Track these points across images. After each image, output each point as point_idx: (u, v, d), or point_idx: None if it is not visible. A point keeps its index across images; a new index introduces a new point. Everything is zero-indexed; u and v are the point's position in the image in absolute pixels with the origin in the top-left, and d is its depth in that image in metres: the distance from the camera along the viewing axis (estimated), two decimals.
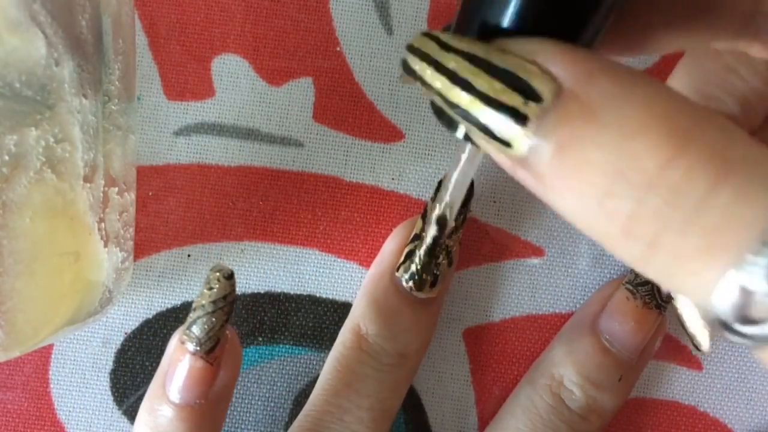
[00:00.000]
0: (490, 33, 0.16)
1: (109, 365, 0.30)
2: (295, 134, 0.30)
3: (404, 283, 0.28)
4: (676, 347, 0.31)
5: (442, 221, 0.23)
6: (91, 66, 0.23)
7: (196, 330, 0.24)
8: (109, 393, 0.30)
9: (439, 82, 0.16)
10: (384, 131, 0.31)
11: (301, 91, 0.30)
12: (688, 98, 0.15)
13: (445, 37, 0.16)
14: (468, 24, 0.17)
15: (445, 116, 0.17)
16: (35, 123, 0.22)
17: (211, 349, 0.25)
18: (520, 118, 0.15)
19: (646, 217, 0.14)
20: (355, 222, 0.31)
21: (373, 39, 0.30)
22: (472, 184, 0.29)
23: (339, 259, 0.31)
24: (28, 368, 0.30)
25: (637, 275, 0.29)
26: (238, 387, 0.31)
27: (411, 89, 0.30)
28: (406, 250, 0.28)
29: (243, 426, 0.31)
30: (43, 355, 0.30)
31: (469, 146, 0.20)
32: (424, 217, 0.28)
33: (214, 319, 0.24)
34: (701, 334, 0.27)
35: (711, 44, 0.20)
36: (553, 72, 0.15)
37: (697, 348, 0.27)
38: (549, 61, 0.15)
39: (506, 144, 0.15)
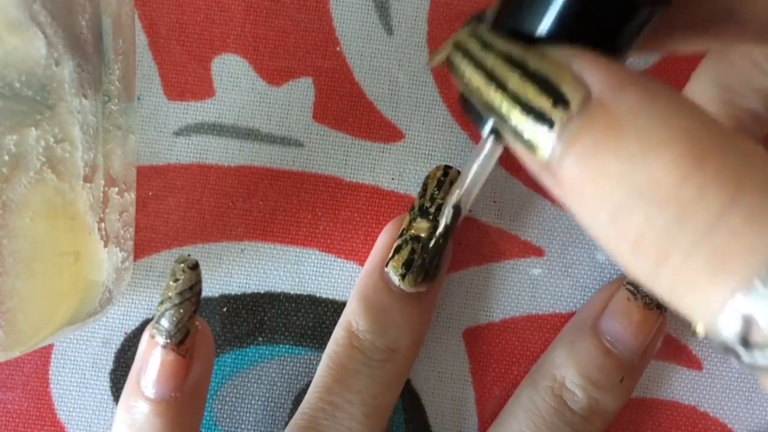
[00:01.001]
0: (529, 37, 0.17)
1: (109, 365, 0.30)
2: (295, 134, 0.30)
3: (393, 279, 0.28)
4: (677, 347, 0.31)
5: (457, 210, 0.23)
6: (91, 66, 0.23)
7: (164, 323, 0.24)
8: (109, 393, 0.30)
9: (477, 79, 0.16)
10: (384, 131, 0.31)
11: (301, 91, 0.30)
12: (713, 117, 0.15)
13: (488, 37, 0.17)
14: (508, 23, 0.17)
15: (473, 111, 0.18)
16: (35, 123, 0.22)
17: (181, 341, 0.25)
18: (547, 121, 0.15)
19: (655, 234, 0.14)
20: (355, 222, 0.31)
21: (373, 39, 0.30)
22: None
23: (339, 259, 0.31)
24: (28, 368, 0.30)
25: None
26: (238, 387, 0.31)
27: (411, 89, 0.30)
28: (395, 245, 0.28)
29: (243, 426, 0.31)
30: (43, 355, 0.30)
31: (491, 140, 0.20)
32: (411, 211, 0.28)
33: (182, 311, 0.24)
34: None
35: (733, 45, 0.20)
36: (585, 80, 0.15)
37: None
38: (583, 69, 0.15)
39: (532, 147, 0.16)
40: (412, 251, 0.28)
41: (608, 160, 0.15)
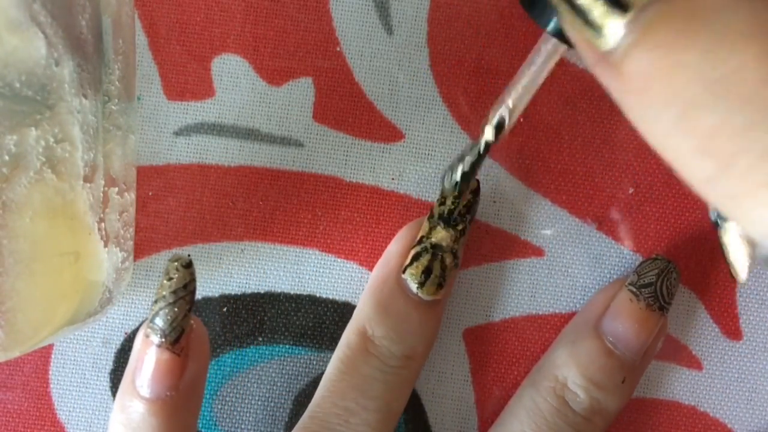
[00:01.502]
0: None
1: (109, 365, 0.30)
2: (295, 134, 0.30)
3: (410, 286, 0.28)
4: (677, 347, 0.31)
5: (500, 124, 0.21)
6: (91, 66, 0.23)
7: (159, 322, 0.24)
8: (109, 393, 0.30)
9: None
10: (384, 131, 0.31)
11: (301, 91, 0.30)
12: None
13: None
14: None
15: (538, 4, 0.16)
16: (35, 123, 0.22)
17: (176, 340, 0.25)
18: (621, 5, 0.14)
19: (728, 134, 0.13)
20: (355, 222, 0.31)
21: (373, 39, 0.30)
22: (479, 189, 0.29)
23: (339, 259, 0.31)
24: (28, 368, 0.30)
25: (639, 276, 0.29)
26: (238, 387, 0.31)
27: (411, 89, 0.30)
28: (413, 252, 0.28)
29: (243, 426, 0.31)
30: (43, 355, 0.30)
31: (550, 43, 0.18)
32: (431, 218, 0.28)
33: (176, 309, 0.24)
34: (741, 264, 0.25)
35: None
36: None
37: (735, 277, 0.25)
38: None
39: (598, 33, 0.14)
40: (432, 259, 0.28)
41: (687, 51, 0.14)
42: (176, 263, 0.24)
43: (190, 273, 0.25)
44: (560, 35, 0.17)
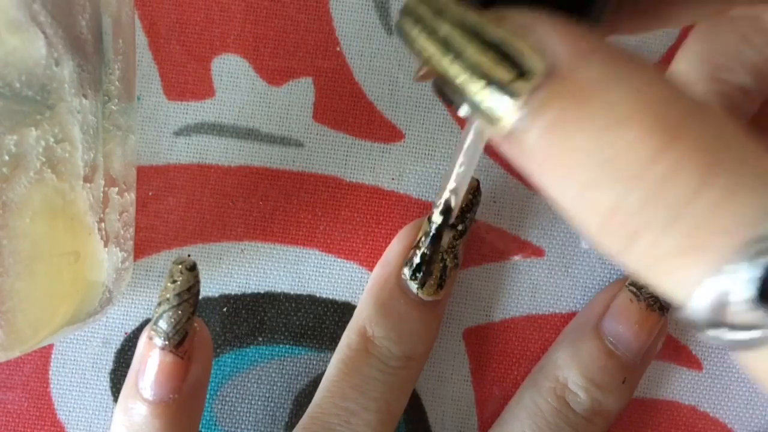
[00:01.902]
0: (491, 1, 0.15)
1: (109, 365, 0.30)
2: (295, 134, 0.30)
3: (411, 286, 0.28)
4: (676, 347, 0.31)
5: (446, 209, 0.22)
6: (91, 66, 0.23)
7: (162, 324, 0.24)
8: (109, 393, 0.30)
9: (431, 48, 0.15)
10: (384, 131, 0.31)
11: (301, 91, 0.30)
12: (684, 89, 0.14)
13: (441, 1, 0.15)
14: None
15: (445, 92, 0.16)
16: (35, 123, 0.22)
17: (179, 343, 0.25)
18: (508, 93, 0.14)
19: (626, 211, 0.14)
20: (355, 222, 0.31)
21: (373, 39, 0.30)
22: (479, 188, 0.28)
23: (339, 259, 0.31)
24: (28, 368, 0.30)
25: None
26: (238, 387, 0.31)
27: (411, 89, 0.30)
28: (413, 252, 0.28)
29: (243, 426, 0.31)
30: (43, 355, 0.30)
31: (474, 125, 0.18)
32: (431, 219, 0.28)
33: (180, 312, 0.24)
34: None
35: (729, 12, 0.19)
36: (548, 49, 0.14)
37: None
38: (545, 36, 0.14)
39: (494, 119, 0.15)
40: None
41: (575, 133, 0.14)
42: (180, 266, 0.24)
43: (194, 276, 0.24)
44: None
